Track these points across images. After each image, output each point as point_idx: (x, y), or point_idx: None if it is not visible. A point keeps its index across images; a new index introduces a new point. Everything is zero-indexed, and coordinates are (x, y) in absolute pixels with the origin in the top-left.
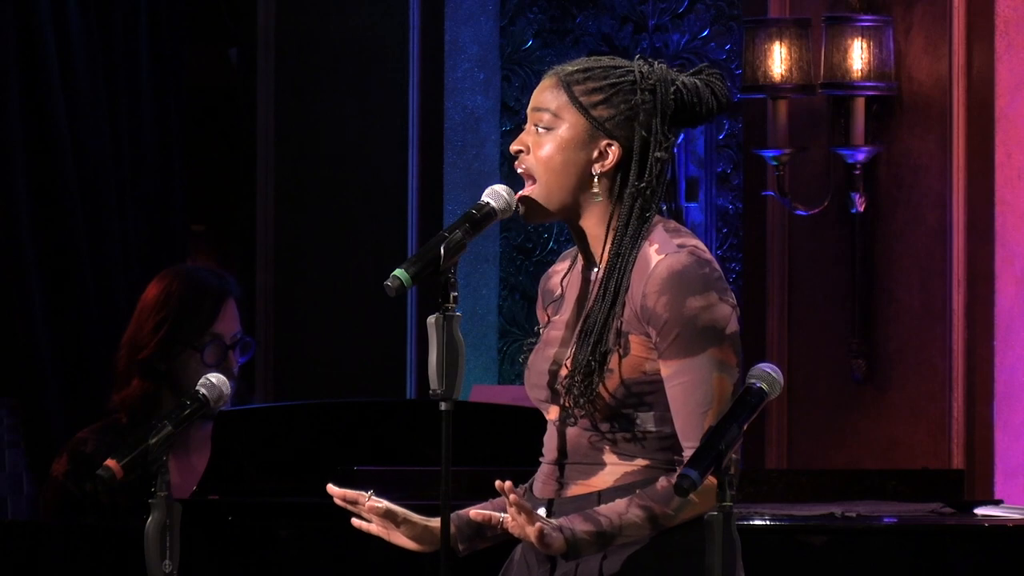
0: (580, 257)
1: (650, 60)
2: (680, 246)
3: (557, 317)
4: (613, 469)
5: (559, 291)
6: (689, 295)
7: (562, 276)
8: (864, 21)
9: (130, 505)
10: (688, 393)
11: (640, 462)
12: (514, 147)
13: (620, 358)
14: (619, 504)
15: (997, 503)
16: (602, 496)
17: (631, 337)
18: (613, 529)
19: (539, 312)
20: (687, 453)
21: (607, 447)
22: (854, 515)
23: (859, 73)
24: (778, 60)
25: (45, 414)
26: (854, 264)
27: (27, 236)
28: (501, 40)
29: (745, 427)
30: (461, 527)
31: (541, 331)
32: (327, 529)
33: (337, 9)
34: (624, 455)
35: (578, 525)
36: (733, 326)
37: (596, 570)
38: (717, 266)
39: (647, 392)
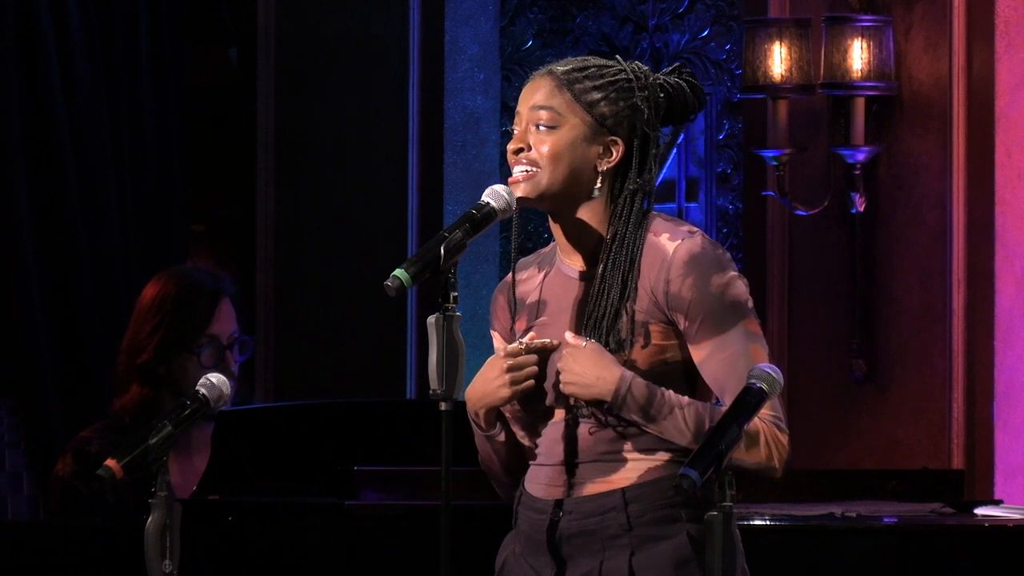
0: (562, 258)
1: (630, 60)
2: (690, 231)
3: (543, 320)
4: (635, 465)
5: (533, 297)
6: (712, 274)
7: (536, 281)
8: (864, 21)
9: (136, 504)
10: (730, 367)
11: (662, 456)
12: (514, 145)
13: (641, 348)
14: (680, 397)
15: (997, 503)
16: (626, 493)
17: (651, 327)
18: (665, 406)
19: (505, 322)
20: None
21: (628, 443)
22: (854, 515)
23: (859, 73)
24: (778, 60)
25: (45, 414)
26: (854, 264)
27: (27, 236)
28: (501, 40)
29: (745, 427)
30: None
31: (522, 339)
32: (327, 529)
33: (337, 9)
34: (646, 449)
35: (637, 378)
36: (750, 298)
37: (625, 567)
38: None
39: (669, 383)
